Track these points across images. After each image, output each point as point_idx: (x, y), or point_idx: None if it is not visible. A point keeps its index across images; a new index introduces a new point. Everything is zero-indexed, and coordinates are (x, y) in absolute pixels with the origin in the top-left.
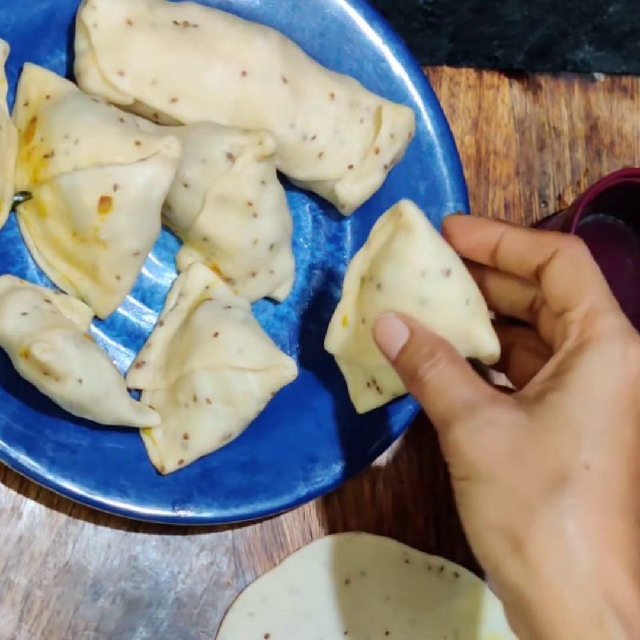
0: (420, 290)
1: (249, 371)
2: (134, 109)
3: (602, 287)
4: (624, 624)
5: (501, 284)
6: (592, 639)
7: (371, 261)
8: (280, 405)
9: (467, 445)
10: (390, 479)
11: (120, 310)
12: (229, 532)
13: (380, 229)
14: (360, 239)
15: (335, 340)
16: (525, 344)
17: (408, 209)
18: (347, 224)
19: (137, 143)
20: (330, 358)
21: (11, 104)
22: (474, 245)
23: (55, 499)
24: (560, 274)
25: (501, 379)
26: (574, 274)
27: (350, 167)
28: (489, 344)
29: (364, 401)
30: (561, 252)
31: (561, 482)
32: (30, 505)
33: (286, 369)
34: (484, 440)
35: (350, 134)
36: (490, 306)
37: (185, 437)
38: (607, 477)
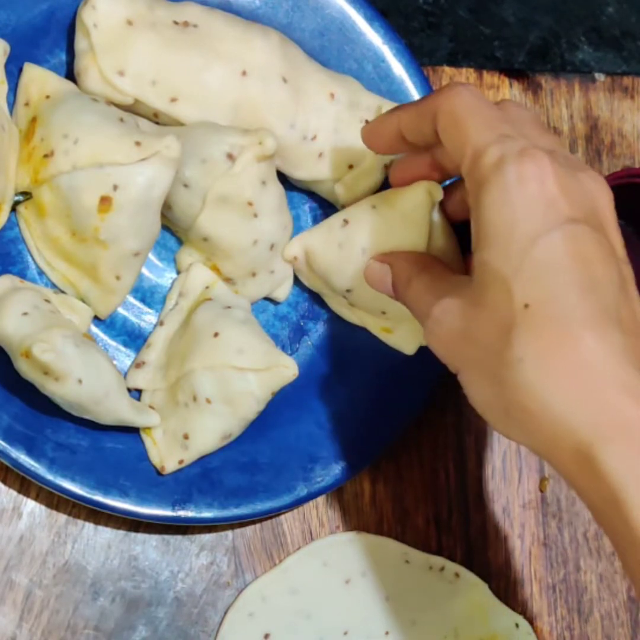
0: None
1: (249, 371)
2: (134, 109)
3: (482, 122)
4: None
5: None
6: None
7: None
8: (280, 405)
9: (435, 347)
10: (390, 479)
11: (120, 310)
12: (229, 532)
13: None
14: None
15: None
16: None
17: None
18: None
19: (137, 143)
20: (330, 358)
21: (11, 104)
22: (389, 143)
23: (55, 499)
24: (443, 134)
25: None
26: (453, 127)
27: (350, 167)
28: None
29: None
30: (438, 114)
31: (508, 336)
32: (30, 505)
33: (286, 368)
34: (443, 337)
35: (350, 134)
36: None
37: (185, 437)
38: (551, 302)
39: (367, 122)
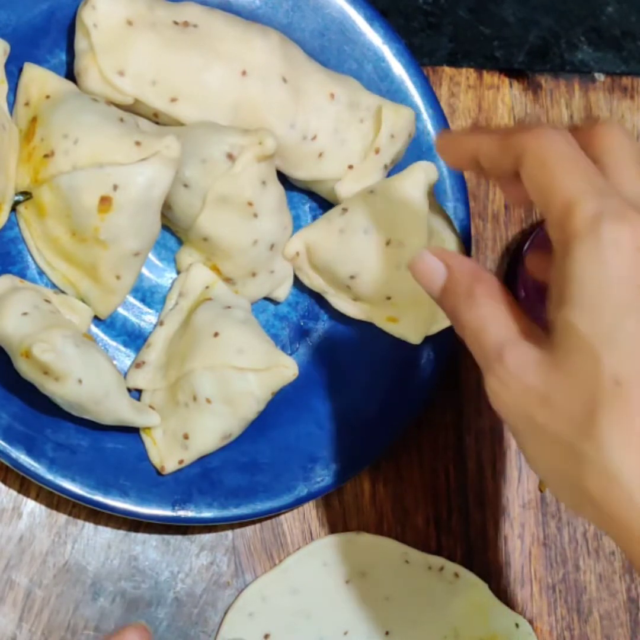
0: None
1: (249, 371)
2: (134, 109)
3: (576, 172)
4: None
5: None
6: None
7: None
8: (280, 405)
9: (502, 399)
10: (390, 479)
11: (120, 310)
12: (229, 532)
13: None
14: None
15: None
16: None
17: None
18: None
19: (137, 143)
20: (330, 358)
21: (11, 104)
22: (461, 163)
23: (55, 499)
24: (527, 177)
25: None
26: (541, 173)
27: (350, 167)
28: None
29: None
30: (525, 157)
31: (593, 413)
32: (30, 505)
33: (286, 368)
34: (515, 391)
35: (350, 134)
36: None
37: (185, 437)
38: None
39: (442, 132)
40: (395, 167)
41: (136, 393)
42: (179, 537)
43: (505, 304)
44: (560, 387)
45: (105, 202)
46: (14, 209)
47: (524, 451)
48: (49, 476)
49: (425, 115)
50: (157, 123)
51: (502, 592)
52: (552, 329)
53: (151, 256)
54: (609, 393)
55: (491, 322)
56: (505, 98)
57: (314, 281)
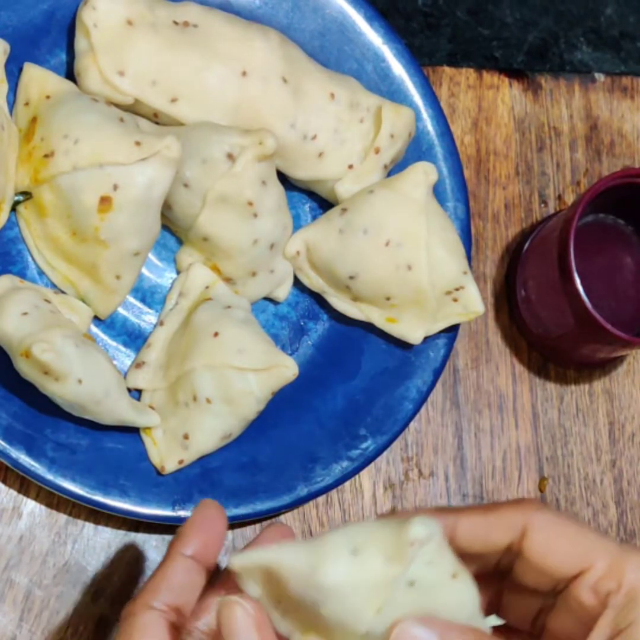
0: None
1: (249, 371)
2: (134, 109)
3: (597, 535)
4: None
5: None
6: None
7: None
8: (280, 405)
9: None
10: (390, 479)
11: (120, 310)
12: (229, 532)
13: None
14: None
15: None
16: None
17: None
18: None
19: (137, 143)
20: (330, 358)
21: (11, 104)
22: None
23: (55, 499)
24: (549, 547)
25: None
26: (565, 542)
27: (351, 167)
28: None
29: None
30: (533, 526)
31: None
32: (30, 505)
33: (286, 368)
34: None
35: (350, 134)
36: None
37: (185, 437)
38: None
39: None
40: (395, 167)
41: (136, 393)
42: None
43: None
44: None
45: (105, 202)
46: (14, 209)
47: None
48: (49, 476)
49: (425, 115)
50: (157, 123)
51: None
52: None
53: (151, 256)
54: None
55: None
56: (505, 98)
57: (314, 281)
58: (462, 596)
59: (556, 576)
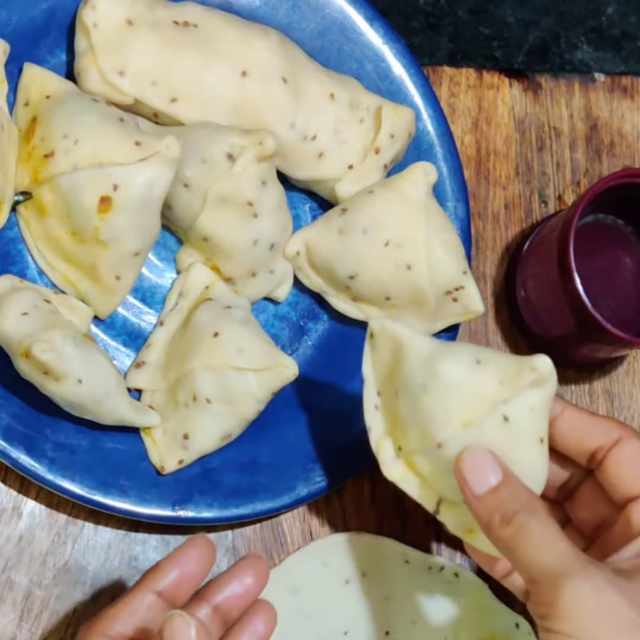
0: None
1: (249, 371)
2: (134, 109)
3: None
4: None
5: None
6: None
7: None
8: (280, 405)
9: (590, 604)
10: None
11: (120, 310)
12: (229, 532)
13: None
14: None
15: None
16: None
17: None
18: None
19: (137, 143)
20: (330, 358)
21: (11, 104)
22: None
23: (55, 499)
24: (628, 461)
25: None
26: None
27: (350, 167)
28: None
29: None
30: (626, 440)
31: None
32: (30, 505)
33: (286, 368)
34: (607, 602)
35: (350, 134)
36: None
37: (185, 437)
38: None
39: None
40: (395, 167)
41: (136, 393)
42: (179, 537)
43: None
44: None
45: (105, 202)
46: (14, 209)
47: None
48: (49, 476)
49: (425, 115)
50: (157, 123)
51: (502, 592)
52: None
53: (151, 256)
54: None
55: (561, 536)
56: (505, 98)
57: (314, 281)
58: (536, 465)
59: (624, 493)
